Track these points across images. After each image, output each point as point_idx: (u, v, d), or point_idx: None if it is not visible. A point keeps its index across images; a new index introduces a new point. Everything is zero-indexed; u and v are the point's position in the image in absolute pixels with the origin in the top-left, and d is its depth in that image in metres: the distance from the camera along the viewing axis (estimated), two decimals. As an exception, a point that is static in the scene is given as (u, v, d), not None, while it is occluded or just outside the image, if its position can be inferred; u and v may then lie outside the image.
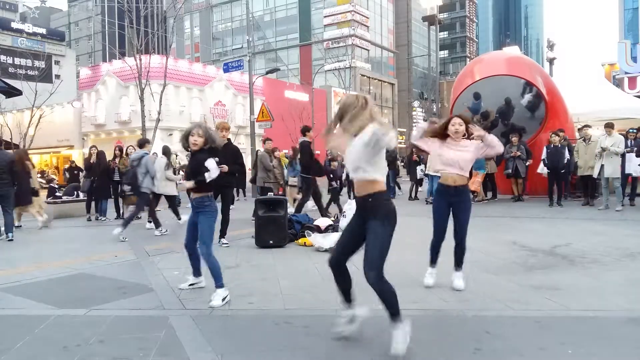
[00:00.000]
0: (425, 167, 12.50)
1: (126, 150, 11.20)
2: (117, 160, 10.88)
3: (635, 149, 10.04)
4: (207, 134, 4.28)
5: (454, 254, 4.38)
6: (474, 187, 12.06)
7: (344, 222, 6.54)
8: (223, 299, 4.00)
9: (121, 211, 10.81)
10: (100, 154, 10.68)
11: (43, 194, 11.16)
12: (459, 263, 4.39)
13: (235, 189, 13.22)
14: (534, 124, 12.64)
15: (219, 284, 4.07)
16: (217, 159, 4.24)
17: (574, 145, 11.37)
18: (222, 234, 6.81)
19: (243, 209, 11.51)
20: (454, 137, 4.23)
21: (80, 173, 12.80)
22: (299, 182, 9.89)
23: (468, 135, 4.26)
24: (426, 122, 4.35)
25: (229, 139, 6.76)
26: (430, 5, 39.92)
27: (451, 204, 4.28)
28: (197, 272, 4.47)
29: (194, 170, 4.21)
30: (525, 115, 12.83)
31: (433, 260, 4.47)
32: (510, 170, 12.00)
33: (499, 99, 13.05)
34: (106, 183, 10.60)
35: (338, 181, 12.10)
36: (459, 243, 4.33)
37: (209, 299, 4.04)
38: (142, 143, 8.71)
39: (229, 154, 6.29)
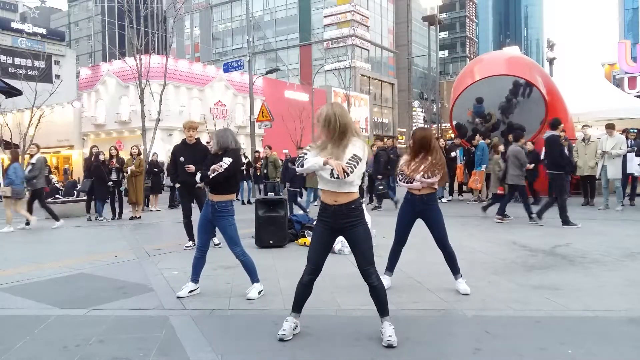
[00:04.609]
0: None
1: (131, 150, 11.17)
2: (113, 160, 10.82)
3: (636, 148, 10.04)
4: (215, 139, 4.40)
5: (447, 263, 4.29)
6: (474, 185, 12.07)
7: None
8: (259, 292, 4.23)
9: (117, 211, 10.78)
10: (97, 155, 10.55)
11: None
12: (456, 270, 4.29)
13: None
14: (534, 123, 12.64)
15: (255, 279, 4.28)
16: (227, 159, 4.20)
17: (573, 145, 11.37)
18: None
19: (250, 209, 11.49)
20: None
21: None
22: (510, 179, 8.52)
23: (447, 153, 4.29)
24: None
25: (197, 139, 6.51)
26: (430, 5, 39.81)
27: (419, 213, 4.24)
28: (197, 278, 4.35)
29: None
30: (525, 115, 12.83)
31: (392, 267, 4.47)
32: None
33: (499, 99, 13.07)
34: (101, 185, 10.41)
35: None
36: (445, 249, 4.27)
37: (245, 292, 4.24)
38: None
39: (198, 154, 6.13)
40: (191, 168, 5.95)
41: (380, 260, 5.19)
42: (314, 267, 3.23)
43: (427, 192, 4.21)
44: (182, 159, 6.32)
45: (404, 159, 4.32)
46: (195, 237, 5.11)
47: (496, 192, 9.01)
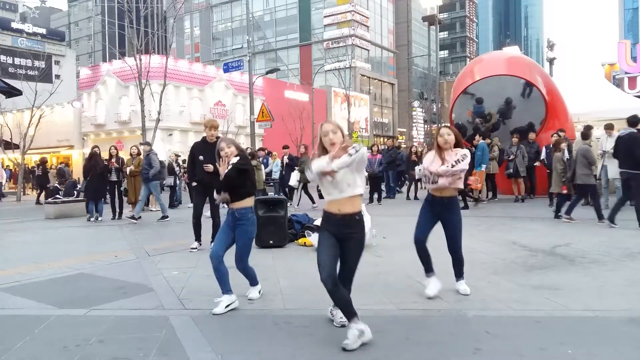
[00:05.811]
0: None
1: (130, 150, 11.17)
2: (113, 160, 10.83)
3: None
4: (234, 143, 4.16)
5: (453, 266, 4.27)
6: (474, 185, 12.07)
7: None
8: (259, 292, 4.21)
9: (117, 211, 10.77)
10: (94, 155, 10.53)
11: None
12: (459, 274, 4.25)
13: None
14: (534, 124, 12.65)
15: (254, 283, 4.23)
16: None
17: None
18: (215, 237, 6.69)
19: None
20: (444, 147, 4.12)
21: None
22: (579, 179, 8.27)
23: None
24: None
25: (218, 137, 6.50)
26: (430, 5, 39.88)
27: (438, 214, 4.16)
28: (229, 288, 3.92)
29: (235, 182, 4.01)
30: (525, 115, 12.83)
31: (428, 268, 4.23)
32: (511, 170, 12.03)
33: (499, 99, 13.06)
34: (100, 183, 10.45)
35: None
36: (454, 255, 4.22)
37: (245, 293, 4.18)
38: None
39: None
40: (210, 167, 5.90)
41: (381, 260, 5.19)
42: (330, 271, 3.06)
43: (448, 195, 4.12)
44: (201, 157, 6.27)
45: (429, 156, 4.14)
46: (209, 242, 4.92)
47: (559, 191, 8.90)
